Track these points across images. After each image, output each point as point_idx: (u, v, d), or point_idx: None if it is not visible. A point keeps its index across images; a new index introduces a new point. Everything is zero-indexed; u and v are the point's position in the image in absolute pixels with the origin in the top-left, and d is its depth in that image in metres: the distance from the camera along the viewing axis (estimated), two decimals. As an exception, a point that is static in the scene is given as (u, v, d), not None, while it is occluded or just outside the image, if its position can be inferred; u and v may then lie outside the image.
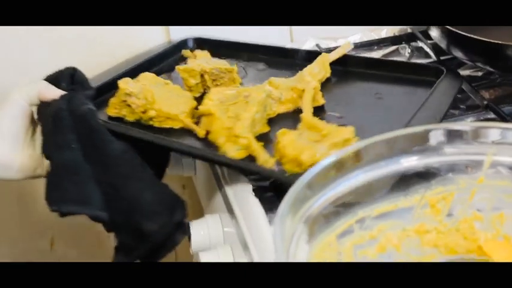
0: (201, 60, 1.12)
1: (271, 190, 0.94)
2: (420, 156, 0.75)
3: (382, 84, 1.09)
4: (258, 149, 0.91)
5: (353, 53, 1.17)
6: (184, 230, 0.94)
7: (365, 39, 1.27)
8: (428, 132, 0.75)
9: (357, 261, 0.73)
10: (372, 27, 1.30)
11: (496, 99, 1.08)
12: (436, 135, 0.75)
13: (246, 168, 0.92)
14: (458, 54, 1.11)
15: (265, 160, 0.89)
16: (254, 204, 0.91)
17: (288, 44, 1.32)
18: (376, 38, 1.29)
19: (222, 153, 0.93)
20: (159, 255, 0.95)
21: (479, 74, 1.15)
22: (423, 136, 0.75)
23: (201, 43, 1.24)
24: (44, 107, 0.99)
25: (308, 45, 1.31)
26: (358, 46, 1.24)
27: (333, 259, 0.71)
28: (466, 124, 0.78)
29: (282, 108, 1.02)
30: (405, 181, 0.76)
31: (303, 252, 0.67)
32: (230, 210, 0.96)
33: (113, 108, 1.02)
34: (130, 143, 0.97)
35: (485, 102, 1.05)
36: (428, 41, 1.25)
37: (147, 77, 1.06)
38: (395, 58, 1.27)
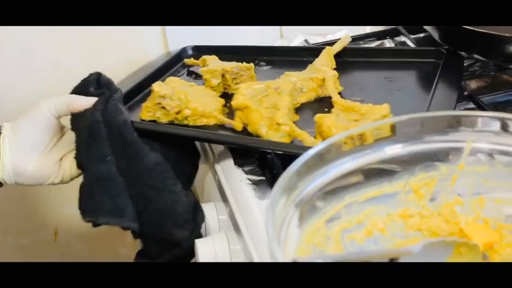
0: (216, 62, 1.14)
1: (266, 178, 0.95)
2: (404, 144, 0.76)
3: (388, 70, 1.11)
4: (302, 133, 0.92)
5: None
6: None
7: (351, 34, 1.27)
8: (411, 121, 0.76)
9: (344, 244, 0.73)
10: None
11: (475, 90, 1.08)
12: (419, 123, 0.76)
13: (298, 152, 0.86)
14: (451, 46, 1.11)
15: (312, 142, 0.90)
16: (247, 193, 0.91)
17: (278, 40, 1.33)
18: (362, 33, 1.29)
19: (275, 142, 0.93)
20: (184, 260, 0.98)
21: (460, 66, 1.16)
22: (407, 124, 0.76)
23: (201, 50, 1.25)
24: (77, 118, 0.98)
25: (297, 41, 1.31)
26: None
27: (322, 243, 0.71)
28: (447, 113, 0.78)
29: (304, 98, 1.04)
30: (389, 168, 0.76)
31: (293, 236, 0.68)
32: (225, 199, 0.97)
33: (147, 112, 1.02)
34: (168, 147, 1.01)
35: (465, 93, 1.06)
36: (411, 36, 1.26)
37: (173, 80, 1.07)
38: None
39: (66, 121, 1.00)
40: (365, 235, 0.75)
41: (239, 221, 0.90)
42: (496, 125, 0.75)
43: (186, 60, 1.23)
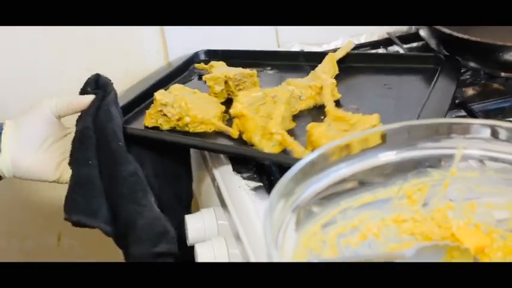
0: (221, 68, 1.14)
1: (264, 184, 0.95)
2: (397, 150, 0.76)
3: (388, 75, 1.11)
4: (293, 143, 0.92)
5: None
6: (167, 258, 0.94)
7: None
8: (404, 129, 0.76)
9: (340, 249, 0.74)
10: (352, 33, 1.30)
11: (467, 98, 1.09)
12: (412, 130, 0.76)
13: (285, 162, 0.92)
14: (447, 52, 1.12)
15: (302, 151, 0.91)
16: (245, 199, 0.92)
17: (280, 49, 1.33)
18: (357, 43, 1.29)
19: (261, 150, 0.94)
20: None
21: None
22: (399, 132, 0.76)
23: (212, 55, 1.26)
24: (77, 120, 1.02)
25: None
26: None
27: (318, 247, 0.72)
28: (440, 120, 0.79)
29: (303, 106, 1.05)
30: (384, 174, 0.77)
31: (290, 241, 0.68)
32: (223, 204, 0.97)
33: (150, 119, 1.04)
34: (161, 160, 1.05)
35: (457, 101, 1.06)
36: (404, 45, 1.26)
37: (177, 88, 1.08)
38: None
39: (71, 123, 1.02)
40: (360, 239, 0.76)
41: (238, 226, 0.90)
42: (487, 132, 0.75)
43: (196, 65, 1.23)
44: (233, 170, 0.98)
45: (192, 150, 1.11)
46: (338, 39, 1.31)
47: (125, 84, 1.19)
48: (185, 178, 1.11)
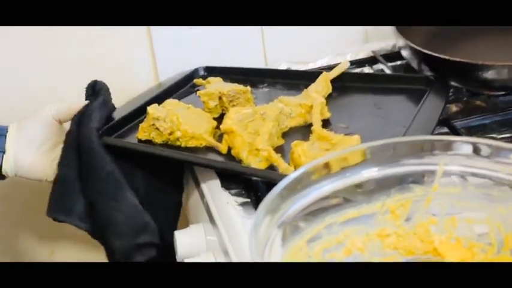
0: (217, 84, 1.16)
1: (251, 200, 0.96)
2: (380, 167, 0.77)
3: (379, 95, 1.12)
4: (278, 159, 0.94)
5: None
6: (144, 252, 0.98)
7: (332, 63, 1.29)
8: (387, 146, 0.77)
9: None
10: (338, 52, 1.32)
11: (449, 115, 1.10)
12: (395, 148, 0.77)
13: (269, 177, 0.94)
14: (428, 72, 1.13)
15: (286, 168, 0.92)
16: (233, 214, 0.92)
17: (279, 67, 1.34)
18: (342, 61, 1.30)
19: (246, 166, 0.96)
20: None
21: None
22: (382, 149, 0.77)
23: (211, 71, 1.27)
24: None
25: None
26: (326, 68, 1.25)
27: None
28: (422, 138, 0.80)
29: (293, 123, 1.06)
30: (367, 190, 0.78)
31: (276, 256, 0.69)
32: (212, 220, 0.97)
33: (143, 132, 1.06)
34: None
35: (440, 118, 1.07)
36: (388, 63, 1.28)
37: (171, 102, 1.10)
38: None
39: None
40: (345, 254, 0.76)
41: (226, 242, 0.91)
42: (468, 149, 0.76)
43: (195, 81, 1.25)
44: (221, 186, 0.98)
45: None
46: (324, 57, 1.32)
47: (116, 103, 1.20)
48: (175, 190, 1.14)
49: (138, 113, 1.12)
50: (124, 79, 1.28)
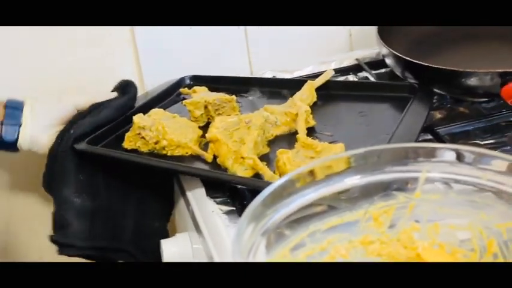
0: (202, 94, 1.16)
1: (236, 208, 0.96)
2: (363, 175, 0.77)
3: (364, 103, 1.13)
4: (263, 168, 0.95)
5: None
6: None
7: (316, 71, 1.29)
8: (370, 153, 0.77)
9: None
10: (322, 60, 1.32)
11: (433, 121, 1.10)
12: (377, 155, 0.78)
13: (255, 185, 0.94)
14: (412, 80, 1.14)
15: (271, 176, 0.93)
16: (218, 223, 0.92)
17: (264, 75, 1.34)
18: (326, 69, 1.30)
19: (231, 174, 0.96)
20: None
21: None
22: (366, 157, 0.77)
23: (196, 80, 1.27)
24: None
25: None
26: (311, 77, 1.26)
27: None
28: (406, 145, 0.80)
29: (278, 131, 1.07)
30: (351, 197, 0.78)
31: (260, 264, 0.69)
32: (198, 229, 0.97)
33: (129, 141, 1.07)
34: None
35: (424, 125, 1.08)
36: (372, 71, 1.28)
37: (157, 112, 1.11)
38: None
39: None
40: (329, 261, 0.76)
41: (211, 250, 0.91)
42: (451, 156, 0.77)
43: (181, 90, 1.25)
44: (207, 195, 0.98)
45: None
46: (309, 66, 1.32)
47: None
48: (165, 198, 1.14)
49: (125, 122, 1.12)
50: (109, 88, 1.28)
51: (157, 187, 1.13)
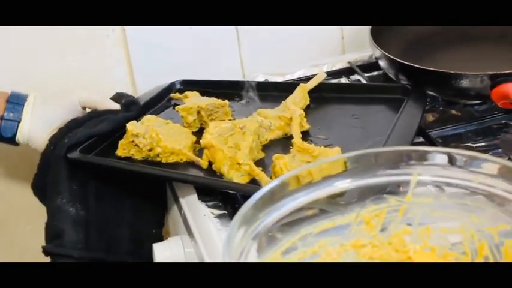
0: (193, 99, 1.16)
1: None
2: (355, 178, 0.77)
3: (357, 105, 1.13)
4: (260, 173, 0.94)
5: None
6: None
7: (308, 74, 1.29)
8: (362, 157, 0.78)
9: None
10: (314, 63, 1.32)
11: (425, 124, 1.10)
12: (370, 158, 0.78)
13: (252, 192, 0.92)
14: (405, 82, 1.14)
15: (268, 181, 0.92)
16: (210, 227, 0.92)
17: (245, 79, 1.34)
18: (318, 72, 1.30)
19: (228, 180, 0.96)
20: None
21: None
22: (358, 160, 0.77)
23: (188, 84, 1.27)
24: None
25: (258, 80, 1.32)
26: (303, 80, 1.26)
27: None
28: (397, 148, 0.80)
29: (273, 135, 1.06)
30: (342, 201, 0.78)
31: (251, 268, 0.69)
32: (190, 232, 0.97)
33: (122, 149, 1.06)
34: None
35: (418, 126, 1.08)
36: (365, 74, 1.28)
37: (150, 119, 1.10)
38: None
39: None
40: (320, 264, 0.76)
41: (203, 254, 0.91)
42: (443, 159, 0.77)
43: (172, 95, 1.25)
44: (199, 199, 0.98)
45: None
46: (301, 69, 1.32)
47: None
48: (159, 205, 1.14)
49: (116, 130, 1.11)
50: (101, 90, 1.28)
51: (150, 194, 1.13)
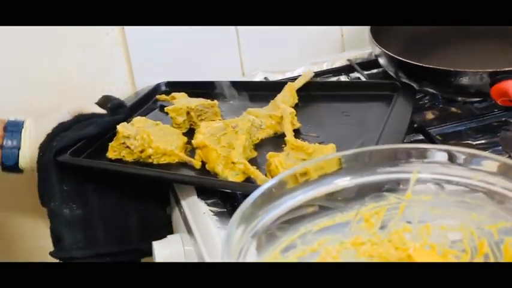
0: (181, 100, 1.15)
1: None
2: (354, 176, 0.77)
3: (346, 103, 1.13)
4: (255, 172, 0.94)
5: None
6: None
7: (308, 71, 1.28)
8: (362, 154, 0.77)
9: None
10: (314, 61, 1.32)
11: (425, 122, 1.10)
12: (370, 156, 0.77)
13: (249, 190, 0.92)
14: (405, 79, 1.14)
15: (264, 180, 0.92)
16: (210, 224, 0.92)
17: (244, 78, 1.34)
18: (318, 70, 1.30)
19: (224, 179, 0.95)
20: None
21: (411, 100, 1.17)
22: (358, 158, 0.77)
23: (173, 86, 1.27)
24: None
25: (258, 79, 1.32)
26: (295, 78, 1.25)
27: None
28: (397, 146, 0.80)
29: (264, 134, 1.06)
30: (342, 199, 0.78)
31: (250, 266, 0.68)
32: (189, 230, 0.97)
33: (113, 151, 1.05)
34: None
35: (415, 125, 1.08)
36: (364, 72, 1.28)
37: (139, 120, 1.09)
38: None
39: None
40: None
41: (203, 252, 0.90)
42: (442, 156, 0.77)
43: (158, 96, 1.24)
44: (198, 197, 0.98)
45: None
46: (301, 67, 1.32)
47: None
48: (155, 206, 1.13)
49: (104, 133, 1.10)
50: (102, 89, 1.28)
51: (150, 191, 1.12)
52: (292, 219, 0.75)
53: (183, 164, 1.02)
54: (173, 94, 1.19)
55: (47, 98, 1.26)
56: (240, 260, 0.67)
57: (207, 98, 1.14)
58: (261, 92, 1.20)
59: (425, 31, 1.26)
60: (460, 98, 1.14)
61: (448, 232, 0.77)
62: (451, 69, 1.04)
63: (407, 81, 1.14)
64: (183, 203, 1.01)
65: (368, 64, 1.30)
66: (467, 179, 0.75)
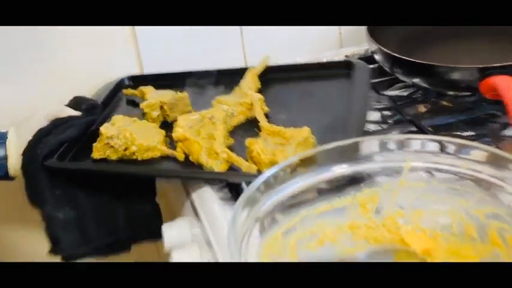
0: (152, 94, 1.15)
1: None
2: (350, 164, 0.78)
3: (306, 83, 1.12)
4: (238, 159, 0.93)
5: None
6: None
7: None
8: (358, 144, 0.79)
9: (299, 252, 0.75)
10: (313, 57, 1.32)
11: (418, 115, 1.11)
12: (366, 146, 0.79)
13: (237, 178, 0.94)
14: (399, 74, 1.16)
15: (248, 166, 0.91)
16: (215, 208, 0.93)
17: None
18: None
19: (208, 170, 0.95)
20: None
21: (405, 93, 1.18)
22: (353, 147, 0.78)
23: (135, 80, 1.26)
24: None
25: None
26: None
27: (279, 252, 0.73)
28: (391, 136, 0.81)
29: (235, 122, 1.05)
30: (339, 185, 0.79)
31: (254, 248, 0.70)
32: (197, 214, 0.98)
33: (97, 152, 1.04)
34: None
35: (408, 118, 1.09)
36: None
37: (118, 118, 1.08)
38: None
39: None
40: (318, 244, 0.77)
41: (209, 234, 0.91)
42: (434, 146, 0.78)
43: (124, 91, 1.23)
44: (205, 183, 0.99)
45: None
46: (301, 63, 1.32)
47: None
48: (142, 198, 1.13)
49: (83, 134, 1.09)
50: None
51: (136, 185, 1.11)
52: (293, 204, 0.76)
53: (166, 158, 1.01)
54: (141, 88, 1.19)
55: (56, 97, 1.21)
56: (244, 242, 0.68)
57: (173, 89, 1.14)
58: (224, 79, 1.18)
59: (419, 30, 1.26)
60: (451, 92, 1.15)
61: (439, 216, 0.78)
62: (443, 65, 1.05)
63: (401, 77, 1.15)
64: (191, 189, 1.01)
65: (364, 60, 1.29)
66: (456, 167, 0.76)
